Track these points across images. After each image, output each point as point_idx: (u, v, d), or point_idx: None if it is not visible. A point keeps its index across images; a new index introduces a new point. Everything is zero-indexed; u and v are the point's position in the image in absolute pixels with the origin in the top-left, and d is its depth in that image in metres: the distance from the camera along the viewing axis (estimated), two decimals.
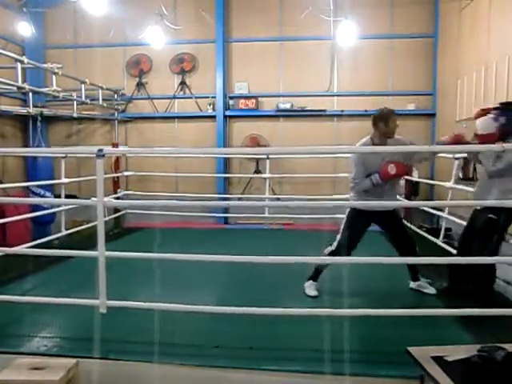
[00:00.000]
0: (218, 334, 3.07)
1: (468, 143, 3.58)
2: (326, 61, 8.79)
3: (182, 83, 9.12)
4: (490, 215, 3.47)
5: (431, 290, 3.91)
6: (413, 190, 7.41)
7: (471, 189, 5.47)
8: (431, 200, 7.98)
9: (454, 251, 5.05)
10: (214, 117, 8.95)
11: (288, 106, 8.80)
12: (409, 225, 6.51)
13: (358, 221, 3.70)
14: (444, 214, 5.51)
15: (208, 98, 9.01)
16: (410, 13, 8.56)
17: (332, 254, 3.75)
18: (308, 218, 7.23)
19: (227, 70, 9.01)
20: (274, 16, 8.90)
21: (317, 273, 3.88)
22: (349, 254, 3.62)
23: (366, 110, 8.55)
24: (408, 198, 7.11)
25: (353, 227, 3.72)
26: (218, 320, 3.21)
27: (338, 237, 3.78)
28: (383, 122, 3.59)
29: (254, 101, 8.88)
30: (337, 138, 8.64)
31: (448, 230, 6.21)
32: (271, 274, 4.17)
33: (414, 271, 3.95)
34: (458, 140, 3.52)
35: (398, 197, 3.95)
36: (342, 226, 3.82)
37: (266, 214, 7.51)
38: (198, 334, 3.08)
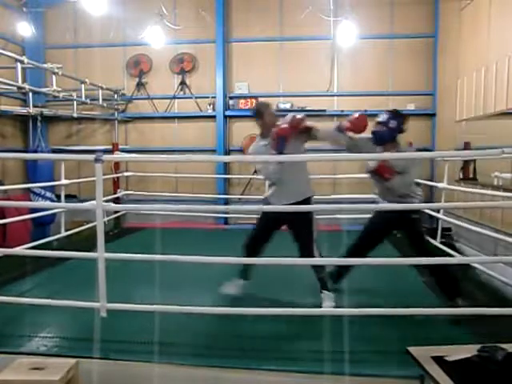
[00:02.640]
0: (218, 334, 3.07)
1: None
2: (325, 61, 8.79)
3: (182, 83, 9.12)
4: (414, 216, 3.54)
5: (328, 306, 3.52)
6: None
7: (466, 189, 5.52)
8: (431, 201, 7.97)
9: (452, 251, 5.08)
10: (214, 117, 8.95)
11: (288, 106, 8.79)
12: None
13: (266, 216, 3.68)
14: (439, 215, 5.52)
15: (208, 98, 9.00)
16: (409, 13, 8.55)
17: (244, 247, 3.71)
18: None
19: (227, 70, 9.01)
20: (274, 16, 8.90)
21: (245, 271, 3.80)
22: (256, 249, 3.63)
23: (365, 110, 8.49)
24: None
25: (261, 222, 3.73)
26: (217, 320, 3.21)
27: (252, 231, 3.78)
28: (260, 117, 3.62)
29: (254, 101, 8.87)
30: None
31: (448, 229, 6.23)
32: (271, 274, 4.17)
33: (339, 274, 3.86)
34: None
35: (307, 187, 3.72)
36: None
37: None
38: (198, 334, 3.09)
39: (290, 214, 3.44)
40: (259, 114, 3.63)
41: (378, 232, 3.77)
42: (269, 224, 3.68)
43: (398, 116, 3.53)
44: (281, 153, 3.36)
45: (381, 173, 3.41)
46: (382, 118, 3.51)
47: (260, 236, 3.72)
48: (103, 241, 3.00)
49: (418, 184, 3.83)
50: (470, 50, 6.83)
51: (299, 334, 3.07)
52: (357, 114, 3.44)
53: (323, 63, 8.78)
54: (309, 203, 3.59)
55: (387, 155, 3.47)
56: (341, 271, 3.84)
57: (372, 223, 3.81)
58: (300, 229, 3.57)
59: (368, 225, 3.83)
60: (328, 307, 3.42)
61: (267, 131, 3.59)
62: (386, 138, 3.48)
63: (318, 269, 3.56)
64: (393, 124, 3.46)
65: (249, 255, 3.62)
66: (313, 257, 3.48)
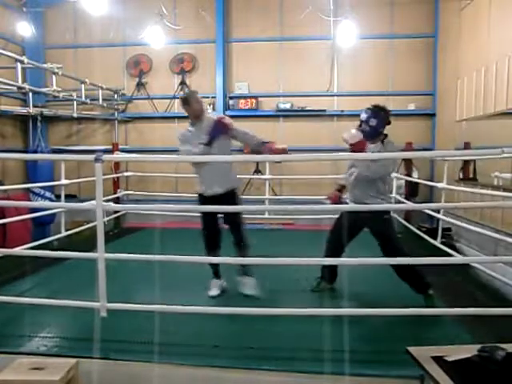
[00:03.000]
0: (218, 334, 3.07)
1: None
2: (325, 61, 8.79)
3: (182, 83, 9.11)
4: (386, 216, 3.60)
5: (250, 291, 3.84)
6: (412, 191, 7.41)
7: (466, 189, 5.52)
8: (431, 201, 7.97)
9: (451, 251, 5.08)
10: None
11: (288, 106, 8.79)
12: (408, 225, 6.54)
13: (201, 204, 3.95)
14: (439, 215, 5.52)
15: (208, 97, 8.99)
16: (409, 13, 8.55)
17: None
18: (308, 219, 7.23)
19: (227, 70, 9.01)
20: (274, 16, 8.90)
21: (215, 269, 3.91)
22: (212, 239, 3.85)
23: None
24: (407, 198, 7.12)
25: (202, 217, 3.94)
26: (217, 320, 3.21)
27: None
28: (186, 105, 3.85)
29: (253, 101, 8.88)
30: (337, 138, 8.60)
31: (448, 230, 6.23)
32: (271, 273, 4.17)
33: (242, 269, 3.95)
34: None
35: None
36: None
37: (266, 215, 7.52)
38: (198, 334, 3.09)
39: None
40: (187, 102, 3.85)
41: (348, 231, 3.70)
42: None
43: (379, 111, 3.63)
44: (212, 138, 3.74)
45: (355, 147, 3.51)
46: (363, 116, 3.65)
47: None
48: (103, 241, 3.00)
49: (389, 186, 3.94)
50: (470, 50, 6.83)
51: (299, 334, 3.06)
52: (357, 139, 3.55)
53: (323, 63, 8.78)
54: (235, 193, 3.90)
55: (379, 155, 3.55)
56: (331, 270, 3.89)
57: (340, 223, 3.78)
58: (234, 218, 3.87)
59: (336, 225, 3.84)
60: (251, 293, 3.76)
61: (195, 118, 3.90)
62: (371, 135, 3.59)
63: (242, 249, 3.77)
64: (373, 122, 3.58)
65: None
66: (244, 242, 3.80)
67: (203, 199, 3.88)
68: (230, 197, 3.82)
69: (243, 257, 3.72)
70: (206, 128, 3.81)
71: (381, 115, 3.62)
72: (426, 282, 3.61)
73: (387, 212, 3.67)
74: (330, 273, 3.90)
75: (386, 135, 3.69)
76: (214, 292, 3.86)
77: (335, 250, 3.70)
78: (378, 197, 3.58)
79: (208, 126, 3.82)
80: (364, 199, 3.59)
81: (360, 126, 3.66)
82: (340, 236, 3.66)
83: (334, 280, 3.93)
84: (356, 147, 3.48)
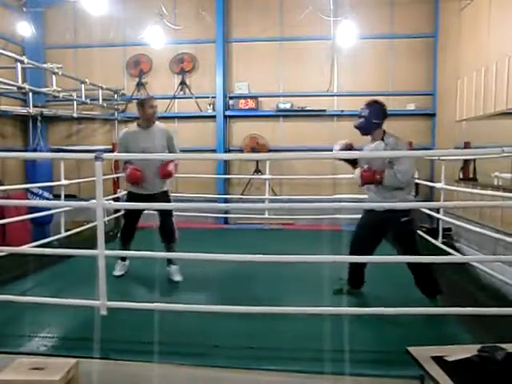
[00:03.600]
0: (218, 334, 3.07)
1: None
2: (325, 61, 8.79)
3: (182, 83, 9.12)
4: (404, 218, 3.45)
5: (176, 278, 4.19)
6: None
7: (464, 189, 5.52)
8: (431, 200, 7.97)
9: (452, 251, 5.08)
10: (214, 117, 8.95)
11: (288, 106, 8.79)
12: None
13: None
14: (439, 215, 5.52)
15: (208, 97, 9.00)
16: (409, 13, 8.55)
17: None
18: (308, 219, 7.24)
19: (227, 70, 9.01)
20: (274, 16, 8.90)
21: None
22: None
23: None
24: None
25: (127, 212, 4.53)
26: (217, 319, 3.21)
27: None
28: (140, 107, 4.22)
29: (254, 101, 8.88)
30: (337, 137, 8.58)
31: (448, 230, 6.23)
32: (271, 273, 4.17)
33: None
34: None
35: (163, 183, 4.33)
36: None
37: (266, 215, 7.52)
38: (198, 334, 3.09)
39: None
40: (142, 105, 4.24)
41: (367, 238, 3.62)
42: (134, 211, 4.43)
43: (372, 103, 3.62)
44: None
45: (371, 180, 3.48)
46: (359, 111, 3.65)
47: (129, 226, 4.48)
48: (103, 238, 2.99)
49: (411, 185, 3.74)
50: (470, 50, 6.83)
51: (299, 334, 3.07)
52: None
53: (323, 63, 8.78)
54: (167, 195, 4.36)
55: (381, 153, 3.50)
56: (355, 275, 3.79)
57: (360, 227, 3.73)
58: None
59: (357, 229, 3.76)
60: (178, 279, 4.14)
61: (145, 122, 4.26)
62: (366, 126, 3.58)
63: (170, 239, 4.21)
64: (365, 112, 3.56)
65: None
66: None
67: (134, 196, 4.34)
68: (156, 195, 4.28)
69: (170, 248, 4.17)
70: (154, 135, 4.22)
71: (374, 106, 3.59)
72: (439, 288, 3.56)
73: (405, 213, 3.46)
74: (355, 277, 3.78)
75: (384, 131, 3.63)
76: (120, 271, 4.36)
77: (360, 254, 3.53)
78: (394, 197, 3.45)
79: (157, 133, 4.24)
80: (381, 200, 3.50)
81: (356, 121, 3.67)
82: (362, 241, 3.59)
83: (361, 285, 3.81)
84: (371, 180, 3.47)
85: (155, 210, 4.28)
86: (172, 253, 4.12)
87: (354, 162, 3.74)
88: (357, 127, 3.64)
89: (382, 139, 3.58)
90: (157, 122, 4.32)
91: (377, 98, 3.76)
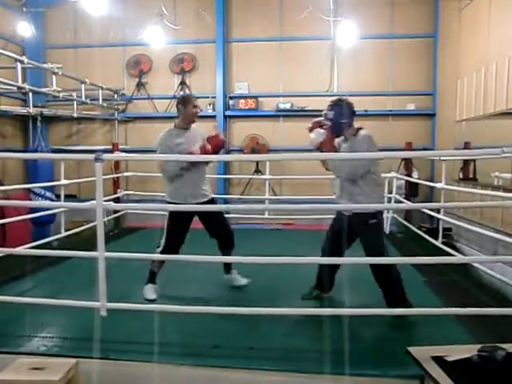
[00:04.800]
0: (218, 334, 3.07)
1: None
2: (325, 61, 8.79)
3: (182, 83, 9.12)
4: (372, 220, 3.28)
5: (242, 282, 3.96)
6: (412, 191, 7.41)
7: (465, 189, 5.51)
8: (431, 201, 7.97)
9: (452, 251, 5.08)
10: (214, 117, 8.95)
11: (288, 106, 8.80)
12: (408, 225, 6.54)
13: (178, 218, 3.72)
14: (439, 215, 5.52)
15: (208, 98, 9.00)
16: (409, 13, 8.55)
17: (162, 253, 3.70)
18: (308, 219, 7.23)
19: (227, 70, 9.01)
20: (274, 16, 8.90)
21: (152, 275, 3.77)
22: (177, 252, 3.68)
23: (366, 110, 8.54)
24: (408, 198, 7.12)
25: (174, 226, 3.73)
26: (217, 320, 3.21)
27: (163, 238, 3.75)
28: (182, 106, 3.79)
29: (254, 101, 8.88)
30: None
31: (448, 230, 6.23)
32: (271, 273, 4.17)
33: (228, 264, 4.00)
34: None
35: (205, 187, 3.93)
36: (165, 224, 3.77)
37: (266, 215, 7.52)
38: (198, 334, 3.08)
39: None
40: (184, 102, 3.81)
41: (337, 241, 3.46)
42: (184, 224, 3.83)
43: (335, 104, 3.49)
44: None
45: (322, 146, 3.38)
46: (323, 114, 3.50)
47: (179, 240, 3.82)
48: (103, 240, 2.99)
49: (379, 185, 3.56)
50: (470, 49, 6.83)
51: (299, 334, 3.06)
52: (321, 138, 3.42)
53: (323, 63, 8.79)
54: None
55: (374, 154, 3.39)
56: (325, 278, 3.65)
57: (331, 230, 3.61)
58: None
59: (328, 232, 3.63)
60: (244, 283, 3.92)
61: (187, 122, 3.86)
62: (333, 129, 3.43)
63: (232, 244, 3.87)
64: (330, 115, 3.43)
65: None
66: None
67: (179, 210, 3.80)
68: (211, 202, 3.99)
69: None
70: (195, 137, 3.82)
71: (338, 107, 3.45)
72: (406, 298, 3.32)
73: (373, 215, 3.29)
74: (324, 281, 3.64)
75: (359, 129, 3.46)
76: (155, 296, 3.74)
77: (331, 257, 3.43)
78: (362, 196, 3.31)
79: (197, 135, 3.85)
80: (349, 201, 3.38)
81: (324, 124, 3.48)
82: (333, 244, 3.47)
83: (330, 289, 3.70)
84: (325, 148, 3.36)
85: (203, 218, 3.86)
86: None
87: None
88: (329, 131, 3.44)
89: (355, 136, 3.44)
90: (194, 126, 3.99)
91: (341, 97, 3.64)
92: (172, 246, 3.68)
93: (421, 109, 8.62)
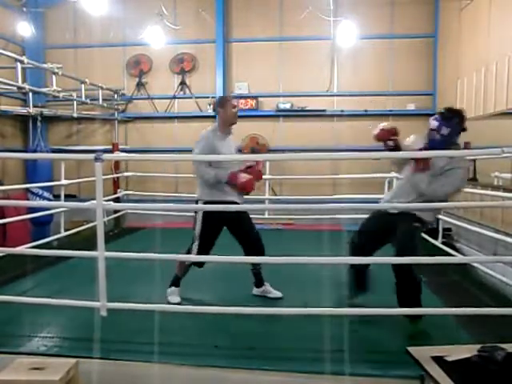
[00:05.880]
0: (218, 334, 3.07)
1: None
2: (325, 61, 8.79)
3: (182, 83, 9.12)
4: (416, 224, 3.15)
5: (276, 294, 3.75)
6: None
7: (466, 190, 5.50)
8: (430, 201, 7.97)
9: (452, 251, 5.08)
10: (214, 117, 8.92)
11: (288, 106, 8.80)
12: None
13: (212, 223, 3.53)
14: (439, 215, 5.50)
15: (208, 98, 9.00)
16: (409, 13, 8.55)
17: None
18: (308, 219, 7.23)
19: (227, 70, 9.01)
20: (274, 16, 8.90)
21: (177, 278, 3.70)
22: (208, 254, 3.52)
23: (365, 110, 8.55)
24: None
25: (208, 231, 3.53)
26: (217, 320, 3.21)
27: (196, 242, 3.56)
28: (221, 107, 3.62)
29: (253, 101, 8.88)
30: (337, 137, 8.65)
31: (448, 230, 6.22)
32: (271, 273, 4.17)
33: (259, 277, 3.78)
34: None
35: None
36: (197, 228, 3.57)
37: (266, 215, 7.52)
38: (198, 334, 3.09)
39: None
40: (222, 104, 3.67)
41: (371, 238, 3.33)
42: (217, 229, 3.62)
43: (452, 117, 3.17)
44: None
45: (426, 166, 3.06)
46: (433, 124, 3.12)
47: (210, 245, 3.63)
48: (103, 239, 2.99)
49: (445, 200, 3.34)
50: (470, 50, 6.83)
51: (299, 334, 3.06)
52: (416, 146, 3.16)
53: (323, 63, 8.79)
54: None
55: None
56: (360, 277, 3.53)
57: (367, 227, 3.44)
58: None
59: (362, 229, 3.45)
60: (279, 295, 3.70)
61: (227, 125, 3.73)
62: (440, 146, 3.08)
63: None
64: (445, 131, 3.10)
65: None
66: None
67: (215, 214, 3.48)
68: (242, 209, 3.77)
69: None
70: (231, 148, 3.69)
71: (454, 121, 3.14)
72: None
73: (419, 220, 3.15)
74: (358, 280, 3.48)
75: (457, 145, 3.18)
76: (179, 299, 3.67)
77: (360, 255, 3.25)
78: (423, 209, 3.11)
79: (232, 146, 3.73)
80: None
81: (431, 135, 3.15)
82: (368, 241, 3.30)
83: (367, 287, 3.49)
84: (425, 164, 3.03)
85: (234, 227, 3.65)
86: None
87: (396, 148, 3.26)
88: (431, 145, 3.12)
89: None
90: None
91: (452, 106, 3.29)
92: (205, 252, 3.51)
93: (421, 109, 8.62)
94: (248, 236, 3.64)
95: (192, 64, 9.08)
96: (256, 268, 3.74)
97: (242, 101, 8.90)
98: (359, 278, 3.49)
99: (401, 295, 3.06)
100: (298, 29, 8.70)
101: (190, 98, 9.12)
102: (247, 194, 3.59)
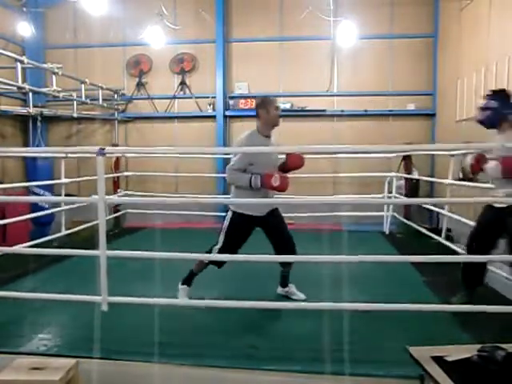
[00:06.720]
0: (219, 334, 3.07)
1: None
2: (325, 61, 8.79)
3: (182, 83, 9.12)
4: None
5: (300, 296, 3.74)
6: (412, 191, 7.40)
7: (471, 184, 5.48)
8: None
9: (458, 249, 5.06)
10: (214, 117, 8.95)
11: (288, 106, 8.79)
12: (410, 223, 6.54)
13: (240, 226, 3.48)
14: (444, 212, 5.49)
15: (208, 98, 9.01)
16: (409, 13, 8.55)
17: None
18: (308, 218, 7.23)
19: (227, 70, 9.01)
20: (274, 16, 8.90)
21: (190, 275, 3.61)
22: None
23: (365, 110, 8.56)
24: (407, 198, 7.10)
25: (235, 234, 3.48)
26: (218, 319, 3.21)
27: (220, 243, 3.49)
28: (263, 109, 3.45)
29: (253, 101, 8.87)
30: (337, 137, 8.64)
31: (448, 230, 6.20)
32: (271, 273, 4.16)
33: (285, 277, 3.77)
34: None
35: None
36: (224, 230, 3.52)
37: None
38: (198, 334, 3.09)
39: None
40: (263, 105, 3.47)
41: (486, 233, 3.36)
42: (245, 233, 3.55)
43: (498, 92, 3.21)
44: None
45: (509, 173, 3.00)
46: (482, 103, 3.19)
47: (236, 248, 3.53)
48: (105, 236, 2.97)
49: None
50: (470, 50, 6.83)
51: (299, 334, 3.07)
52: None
53: (323, 63, 8.79)
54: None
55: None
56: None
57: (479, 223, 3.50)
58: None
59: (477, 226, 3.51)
60: (303, 297, 3.68)
61: (269, 126, 3.51)
62: (492, 119, 3.12)
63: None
64: (493, 104, 3.12)
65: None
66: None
67: (245, 217, 3.52)
68: (275, 211, 3.75)
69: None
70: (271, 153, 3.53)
71: (501, 95, 3.15)
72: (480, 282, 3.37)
73: None
74: (474, 276, 3.49)
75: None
76: (187, 299, 3.57)
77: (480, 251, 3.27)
78: None
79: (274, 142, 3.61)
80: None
81: (479, 114, 3.19)
82: (482, 237, 3.35)
83: (480, 283, 3.50)
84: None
85: (266, 229, 3.62)
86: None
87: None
88: (481, 121, 3.19)
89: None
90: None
91: (499, 88, 3.32)
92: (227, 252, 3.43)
93: (421, 109, 8.63)
94: (279, 238, 3.62)
95: (192, 64, 9.08)
96: (285, 271, 3.72)
97: (242, 101, 8.91)
98: (478, 273, 3.49)
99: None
100: (297, 29, 8.70)
101: (190, 98, 9.12)
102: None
